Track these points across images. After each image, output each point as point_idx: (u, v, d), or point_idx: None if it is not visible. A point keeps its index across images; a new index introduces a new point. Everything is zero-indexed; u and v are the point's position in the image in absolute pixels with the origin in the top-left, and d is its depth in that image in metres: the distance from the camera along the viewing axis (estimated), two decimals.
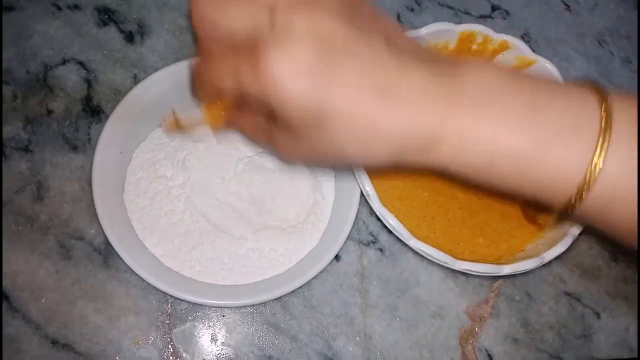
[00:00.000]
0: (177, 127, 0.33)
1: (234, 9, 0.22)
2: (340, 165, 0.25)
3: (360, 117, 0.21)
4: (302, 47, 0.20)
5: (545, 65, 0.38)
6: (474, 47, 0.39)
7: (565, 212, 0.22)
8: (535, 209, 0.30)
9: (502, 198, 0.35)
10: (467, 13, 0.46)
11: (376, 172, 0.31)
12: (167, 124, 0.33)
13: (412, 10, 0.45)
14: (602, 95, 0.21)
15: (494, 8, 0.47)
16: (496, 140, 0.21)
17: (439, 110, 0.22)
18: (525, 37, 0.46)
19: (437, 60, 0.23)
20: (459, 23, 0.42)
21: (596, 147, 0.20)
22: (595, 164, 0.20)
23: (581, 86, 0.23)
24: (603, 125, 0.20)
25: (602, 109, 0.21)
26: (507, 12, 0.47)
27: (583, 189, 0.21)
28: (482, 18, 0.46)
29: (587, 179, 0.21)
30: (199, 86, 0.26)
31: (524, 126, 0.21)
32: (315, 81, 0.20)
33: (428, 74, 0.22)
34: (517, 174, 0.22)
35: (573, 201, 0.21)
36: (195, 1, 0.23)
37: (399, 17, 0.45)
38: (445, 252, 0.31)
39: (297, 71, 0.20)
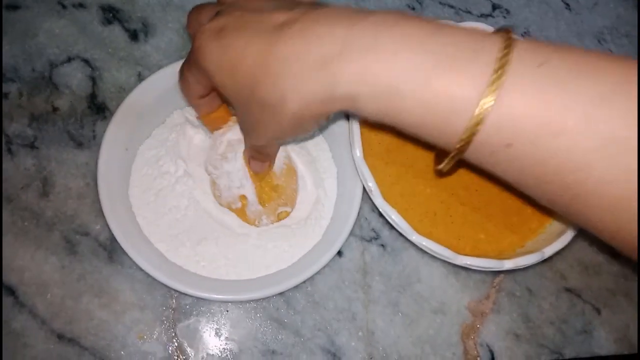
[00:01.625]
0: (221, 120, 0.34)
1: (203, 11, 0.29)
2: (277, 126, 0.26)
3: (257, 48, 0.24)
4: (218, 18, 0.26)
5: None
6: None
7: (461, 149, 0.22)
8: (440, 155, 0.29)
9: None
10: (468, 12, 0.47)
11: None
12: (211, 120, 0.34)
13: (414, 9, 0.45)
14: (507, 37, 0.21)
15: (494, 7, 0.47)
16: (394, 65, 0.21)
17: (338, 34, 0.22)
18: (525, 36, 0.46)
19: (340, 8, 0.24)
20: (460, 22, 0.42)
21: (492, 77, 0.20)
22: (489, 94, 0.20)
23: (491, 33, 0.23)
24: (501, 53, 0.20)
25: (504, 43, 0.21)
26: (508, 11, 0.47)
27: (475, 123, 0.21)
28: (482, 17, 0.47)
29: (480, 111, 0.20)
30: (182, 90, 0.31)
31: (422, 50, 0.21)
32: (219, 35, 0.25)
33: (327, 13, 0.23)
34: (412, 98, 0.22)
35: (463, 141, 0.21)
36: (190, 11, 0.30)
37: None
38: (447, 247, 0.31)
39: (208, 32, 0.25)
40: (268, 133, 0.27)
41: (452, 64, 0.21)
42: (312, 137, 0.37)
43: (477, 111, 0.20)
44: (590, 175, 0.20)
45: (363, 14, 0.23)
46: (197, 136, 0.36)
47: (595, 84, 0.20)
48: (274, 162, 0.34)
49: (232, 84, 0.25)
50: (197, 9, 0.30)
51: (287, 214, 0.35)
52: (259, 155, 0.32)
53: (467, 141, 0.22)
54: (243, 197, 0.34)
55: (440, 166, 0.25)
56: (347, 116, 0.35)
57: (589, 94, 0.20)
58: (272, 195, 0.34)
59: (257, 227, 0.35)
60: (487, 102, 0.20)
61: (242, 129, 0.30)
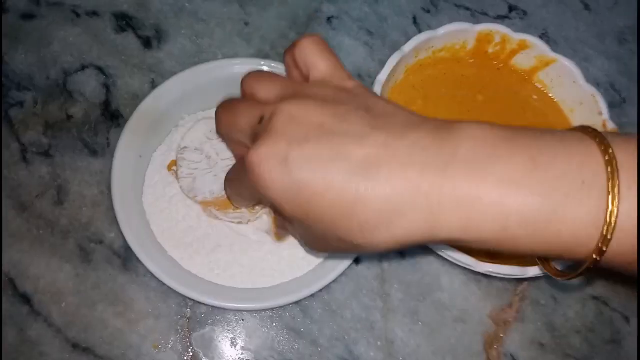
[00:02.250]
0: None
1: (239, 113, 0.25)
2: (354, 252, 0.24)
3: (338, 191, 0.20)
4: (275, 138, 0.21)
5: (566, 64, 0.37)
6: (491, 50, 0.38)
7: (589, 268, 0.21)
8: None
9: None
10: (484, 14, 0.46)
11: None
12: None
13: (429, 11, 0.45)
14: (602, 142, 0.20)
15: (511, 8, 0.46)
16: (504, 203, 0.20)
17: (431, 176, 0.20)
18: (543, 37, 0.45)
19: (423, 125, 0.22)
20: (476, 24, 0.42)
21: (608, 201, 0.19)
22: (610, 218, 0.19)
23: (579, 133, 0.21)
24: (610, 176, 0.19)
25: (606, 159, 0.20)
26: (525, 12, 0.47)
27: (603, 244, 0.20)
28: (499, 19, 0.46)
29: (605, 233, 0.19)
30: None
31: (529, 186, 0.20)
32: (285, 162, 0.21)
33: (412, 142, 0.21)
34: (531, 237, 0.20)
35: (595, 257, 0.20)
36: (218, 108, 0.27)
37: (415, 19, 0.44)
38: (468, 254, 0.30)
39: (270, 158, 0.21)
40: (335, 250, 0.24)
41: (565, 199, 0.20)
42: None
43: (599, 246, 0.20)
44: None
45: (453, 147, 0.21)
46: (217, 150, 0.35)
47: None
48: None
49: (304, 220, 0.22)
50: (230, 108, 0.26)
51: None
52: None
53: (597, 261, 0.21)
54: None
55: (569, 278, 0.24)
56: None
57: None
58: None
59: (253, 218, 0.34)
60: (610, 225, 0.20)
61: (298, 238, 0.27)
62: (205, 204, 0.33)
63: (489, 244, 0.21)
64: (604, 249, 0.20)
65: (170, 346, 0.32)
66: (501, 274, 0.32)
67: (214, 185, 0.33)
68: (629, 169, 0.20)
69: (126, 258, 0.34)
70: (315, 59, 0.25)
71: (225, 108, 0.27)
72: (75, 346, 0.32)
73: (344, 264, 0.32)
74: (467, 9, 0.46)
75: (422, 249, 0.36)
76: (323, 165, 0.21)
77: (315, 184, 0.21)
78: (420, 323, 0.34)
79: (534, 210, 0.20)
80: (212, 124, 0.30)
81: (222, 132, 0.28)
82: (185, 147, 0.35)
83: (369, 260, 0.35)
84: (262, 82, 0.26)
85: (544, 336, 0.35)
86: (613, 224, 0.19)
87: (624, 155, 0.20)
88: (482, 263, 0.31)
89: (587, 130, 0.21)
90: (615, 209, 0.19)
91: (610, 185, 0.19)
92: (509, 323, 0.35)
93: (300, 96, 0.23)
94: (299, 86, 0.25)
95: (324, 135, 0.21)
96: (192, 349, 0.32)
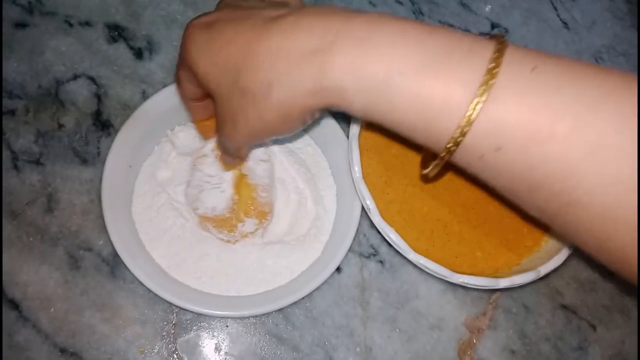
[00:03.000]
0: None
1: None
2: (273, 126, 0.26)
3: (245, 37, 0.24)
4: (207, 15, 0.27)
5: None
6: None
7: (449, 150, 0.22)
8: (426, 160, 0.29)
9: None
10: (467, 31, 0.47)
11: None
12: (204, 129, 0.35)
13: None
14: (499, 51, 0.21)
15: (493, 26, 0.48)
16: (387, 59, 0.21)
17: (331, 27, 0.23)
18: None
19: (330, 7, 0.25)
20: None
21: (484, 78, 0.20)
22: (480, 96, 0.20)
23: (492, 40, 0.22)
24: (484, 81, 0.20)
25: (490, 66, 0.20)
26: (507, 30, 0.48)
27: (465, 123, 0.21)
28: (482, 35, 0.47)
29: (470, 112, 0.20)
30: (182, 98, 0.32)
31: (416, 47, 0.21)
32: (209, 27, 0.26)
33: (315, 11, 0.24)
34: (407, 98, 0.21)
35: (452, 142, 0.21)
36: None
37: None
38: (444, 266, 0.32)
39: (199, 27, 0.26)
40: (247, 127, 0.26)
41: (445, 63, 0.21)
42: (294, 139, 0.38)
43: (467, 112, 0.20)
44: (579, 183, 0.20)
45: (358, 12, 0.23)
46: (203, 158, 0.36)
47: (585, 90, 0.20)
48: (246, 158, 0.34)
49: (214, 72, 0.25)
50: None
51: (266, 214, 0.35)
52: (228, 157, 0.32)
53: (457, 142, 0.21)
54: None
55: (427, 170, 0.25)
56: (346, 136, 0.36)
57: (579, 101, 0.20)
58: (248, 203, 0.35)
59: (242, 236, 0.35)
60: (477, 103, 0.20)
61: (219, 124, 0.28)
62: (204, 219, 0.34)
63: (368, 105, 0.23)
64: (465, 123, 0.21)
65: (156, 351, 0.33)
66: (475, 285, 0.33)
67: (218, 202, 0.34)
68: (516, 53, 0.21)
69: (114, 265, 0.35)
70: None
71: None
72: (63, 351, 0.33)
73: (326, 273, 0.34)
74: (451, 25, 0.47)
75: (400, 258, 0.37)
76: (236, 22, 0.25)
77: (227, 33, 0.25)
78: (397, 330, 0.36)
79: (413, 63, 0.21)
80: None
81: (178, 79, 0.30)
82: (204, 156, 0.35)
83: (350, 269, 0.37)
84: None
85: (515, 343, 0.37)
86: (471, 120, 0.20)
87: (514, 71, 0.20)
88: (457, 274, 0.32)
89: (499, 40, 0.22)
90: (472, 116, 0.20)
91: (479, 91, 0.20)
92: (482, 330, 0.36)
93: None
94: None
95: (250, 8, 0.26)
96: (177, 354, 0.33)
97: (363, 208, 0.35)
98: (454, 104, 0.21)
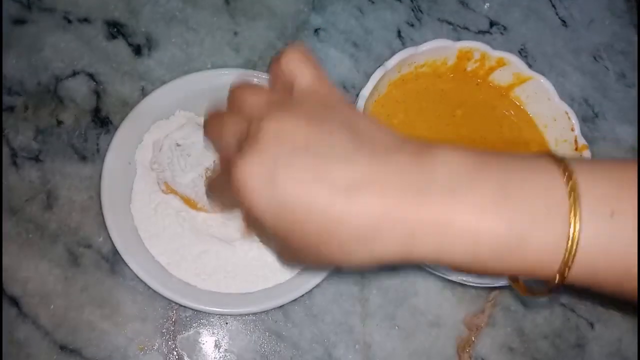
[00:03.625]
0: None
1: (226, 125, 0.26)
2: (330, 267, 0.25)
3: (321, 212, 0.21)
4: (260, 155, 0.22)
5: (541, 82, 0.39)
6: (471, 66, 0.40)
7: (554, 288, 0.22)
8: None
9: None
10: (466, 28, 0.47)
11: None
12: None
13: (412, 25, 0.46)
14: (566, 169, 0.22)
15: (492, 24, 0.48)
16: (474, 230, 0.21)
17: (409, 201, 0.21)
18: (522, 52, 0.47)
19: (403, 147, 0.23)
20: (458, 38, 0.43)
21: (569, 228, 0.21)
22: (571, 245, 0.21)
23: (545, 160, 0.23)
24: (572, 203, 0.21)
25: (569, 187, 0.21)
26: (505, 28, 0.48)
27: (565, 268, 0.21)
28: (480, 33, 0.47)
29: (567, 258, 0.21)
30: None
31: (498, 213, 0.21)
32: (271, 182, 0.22)
33: (393, 166, 0.22)
34: (499, 260, 0.22)
35: (558, 280, 0.22)
36: (205, 119, 0.28)
37: (399, 32, 0.46)
38: None
39: (255, 175, 0.22)
40: (309, 264, 0.26)
41: (530, 226, 0.21)
42: None
43: (561, 269, 0.21)
44: None
45: (429, 172, 0.22)
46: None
47: None
48: None
49: (290, 237, 0.23)
50: (215, 117, 0.27)
51: None
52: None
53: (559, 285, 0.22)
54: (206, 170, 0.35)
55: (541, 297, 0.25)
56: None
57: None
58: None
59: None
60: (572, 249, 0.21)
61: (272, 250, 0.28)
62: (186, 200, 0.35)
63: (461, 266, 0.23)
64: (565, 273, 0.21)
65: (155, 348, 0.33)
66: (474, 282, 0.34)
67: (195, 185, 0.34)
68: (590, 195, 0.21)
69: (114, 262, 0.35)
70: (300, 68, 0.25)
71: (212, 118, 0.28)
72: (62, 348, 0.33)
73: (326, 270, 0.34)
74: (450, 23, 0.47)
75: None
76: (308, 187, 0.21)
77: (299, 205, 0.21)
78: (396, 327, 0.36)
79: (502, 236, 0.21)
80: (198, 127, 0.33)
81: (210, 141, 0.28)
82: (177, 145, 0.35)
83: None
84: (248, 94, 0.26)
85: (513, 341, 0.37)
86: (574, 251, 0.21)
87: (587, 182, 0.21)
88: (455, 272, 0.32)
89: (553, 157, 0.23)
90: (576, 236, 0.21)
91: (572, 213, 0.21)
92: (481, 328, 0.37)
93: (285, 110, 0.24)
94: (284, 99, 0.25)
95: (309, 156, 0.22)
96: (177, 351, 0.34)
97: None
98: (550, 256, 0.21)
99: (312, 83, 0.25)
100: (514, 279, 0.27)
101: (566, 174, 0.22)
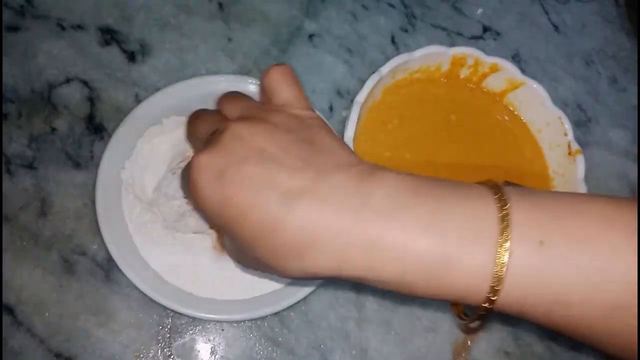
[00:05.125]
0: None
1: (202, 122, 0.28)
2: (272, 273, 0.25)
3: (258, 213, 0.22)
4: (218, 151, 0.24)
5: (534, 87, 0.39)
6: (464, 72, 0.40)
7: (483, 313, 0.23)
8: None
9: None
10: (460, 34, 0.48)
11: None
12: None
13: (406, 31, 0.47)
14: (500, 198, 0.22)
15: (485, 29, 0.49)
16: (403, 250, 0.22)
17: (344, 217, 0.22)
18: (515, 58, 0.48)
19: (352, 168, 0.23)
20: (452, 44, 0.44)
21: (495, 255, 0.21)
22: (499, 268, 0.21)
23: (481, 188, 0.23)
24: (501, 231, 0.21)
25: (500, 215, 0.21)
26: (498, 33, 0.49)
27: (493, 293, 0.21)
28: (473, 39, 0.48)
29: (494, 283, 0.21)
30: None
31: (427, 236, 0.22)
32: (220, 178, 0.23)
33: (335, 183, 0.23)
34: (426, 282, 0.22)
35: (487, 304, 0.22)
36: (188, 119, 0.30)
37: (393, 38, 0.46)
38: None
39: (208, 168, 0.23)
40: (253, 265, 0.26)
41: (460, 247, 0.21)
42: None
43: (488, 295, 0.22)
44: (596, 337, 0.22)
45: (368, 193, 0.22)
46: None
47: (594, 255, 0.21)
48: None
49: (226, 234, 0.25)
50: (196, 116, 0.29)
51: None
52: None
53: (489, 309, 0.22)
54: None
55: (471, 325, 0.25)
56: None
57: (591, 267, 0.21)
58: None
59: None
60: (495, 288, 0.21)
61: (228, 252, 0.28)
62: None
63: (389, 285, 0.23)
64: (494, 298, 0.21)
65: (151, 355, 0.33)
66: None
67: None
68: (521, 224, 0.21)
69: (109, 269, 0.35)
70: (279, 86, 0.27)
71: (194, 115, 0.29)
72: (57, 355, 0.32)
73: None
74: (444, 29, 0.48)
75: None
76: (253, 189, 0.23)
77: (241, 203, 0.23)
78: (393, 332, 0.36)
79: (429, 258, 0.22)
80: None
81: (188, 136, 0.30)
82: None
83: None
84: (229, 101, 0.28)
85: (509, 345, 0.37)
86: (502, 277, 0.21)
87: (519, 211, 0.22)
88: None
89: (491, 186, 0.23)
90: (504, 262, 0.21)
91: (502, 239, 0.21)
92: (477, 332, 0.37)
93: (255, 119, 0.25)
94: (258, 110, 0.27)
95: (261, 161, 0.23)
96: (172, 358, 0.33)
97: None
98: (478, 279, 0.22)
99: (288, 99, 0.27)
100: (455, 303, 0.27)
101: (501, 202, 0.22)
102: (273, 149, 0.23)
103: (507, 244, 0.21)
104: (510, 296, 0.21)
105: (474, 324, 0.25)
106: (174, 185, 0.34)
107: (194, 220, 0.34)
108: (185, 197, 0.34)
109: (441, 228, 0.22)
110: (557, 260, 0.21)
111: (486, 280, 0.21)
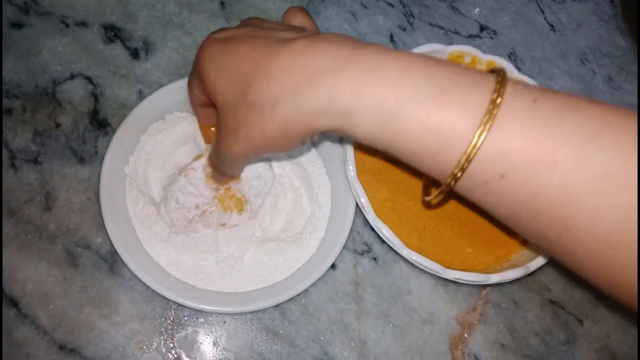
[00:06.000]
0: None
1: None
2: (270, 144, 0.26)
3: (257, 53, 0.25)
4: (226, 35, 0.28)
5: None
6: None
7: (453, 179, 0.23)
8: (427, 187, 0.32)
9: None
10: (457, 33, 0.48)
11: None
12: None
13: (405, 30, 0.47)
14: (501, 81, 0.22)
15: (482, 28, 0.49)
16: (397, 86, 0.22)
17: (342, 53, 0.24)
18: (511, 56, 0.48)
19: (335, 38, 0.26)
20: (449, 42, 0.44)
21: (488, 106, 0.21)
22: (484, 125, 0.21)
23: (490, 74, 0.23)
24: (488, 111, 0.21)
25: (493, 97, 0.22)
26: (495, 32, 0.49)
27: (471, 150, 0.21)
28: (471, 38, 0.49)
29: (476, 140, 0.21)
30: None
31: (425, 76, 0.23)
32: (227, 41, 0.27)
33: (331, 41, 0.25)
34: (414, 125, 0.22)
35: (458, 169, 0.22)
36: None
37: (391, 36, 0.47)
38: (436, 262, 0.33)
39: (217, 40, 0.28)
40: (248, 139, 0.26)
41: (451, 94, 0.22)
42: (290, 157, 0.38)
43: (473, 140, 0.21)
44: (580, 210, 0.21)
45: (368, 43, 0.25)
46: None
47: (585, 121, 0.21)
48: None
49: (224, 83, 0.26)
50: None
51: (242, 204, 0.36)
52: (219, 176, 0.34)
53: (462, 168, 0.22)
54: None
55: (430, 197, 0.26)
56: (341, 138, 0.37)
57: (580, 131, 0.21)
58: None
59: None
60: (482, 132, 0.21)
61: (219, 135, 0.28)
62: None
63: (373, 132, 0.24)
64: (471, 150, 0.22)
65: (154, 347, 0.34)
66: (467, 280, 0.34)
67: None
68: (512, 114, 0.21)
69: (112, 262, 0.35)
70: (294, 16, 0.30)
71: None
72: (61, 347, 0.33)
73: (321, 269, 0.35)
74: (441, 28, 0.48)
75: (393, 255, 0.38)
76: (253, 40, 0.26)
77: (242, 49, 0.26)
78: (391, 325, 0.37)
79: (422, 92, 0.22)
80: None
81: (190, 88, 0.32)
82: (192, 169, 0.36)
83: (345, 265, 0.38)
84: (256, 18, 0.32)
85: (505, 337, 0.38)
86: (476, 147, 0.21)
87: (516, 102, 0.22)
88: (449, 270, 0.33)
89: (501, 74, 0.23)
90: (478, 144, 0.21)
91: (484, 120, 0.21)
92: (473, 325, 0.37)
93: (265, 22, 0.30)
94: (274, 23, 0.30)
95: (268, 29, 0.27)
96: (175, 350, 0.34)
97: (357, 206, 0.36)
98: (460, 131, 0.22)
99: (300, 23, 0.30)
100: (427, 183, 0.31)
101: (498, 85, 0.22)
102: (280, 27, 0.28)
103: (488, 126, 0.21)
104: (497, 147, 0.22)
105: (436, 198, 0.26)
106: (187, 191, 0.35)
107: (201, 226, 0.35)
108: (195, 205, 0.35)
109: (439, 75, 0.23)
110: (549, 117, 0.21)
111: (466, 139, 0.22)
